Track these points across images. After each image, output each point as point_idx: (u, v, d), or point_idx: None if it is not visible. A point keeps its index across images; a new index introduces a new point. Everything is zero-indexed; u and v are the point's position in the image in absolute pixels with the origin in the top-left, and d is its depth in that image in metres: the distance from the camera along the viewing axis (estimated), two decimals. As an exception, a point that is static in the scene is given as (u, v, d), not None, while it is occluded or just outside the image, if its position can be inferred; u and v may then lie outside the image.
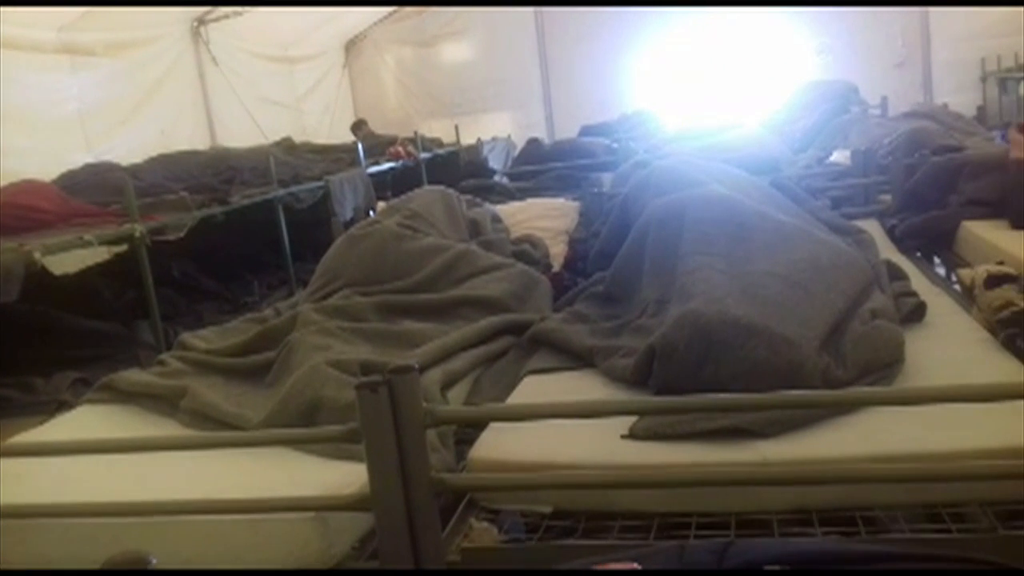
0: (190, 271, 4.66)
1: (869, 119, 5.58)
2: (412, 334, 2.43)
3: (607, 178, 4.71)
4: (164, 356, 2.47)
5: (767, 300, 1.92)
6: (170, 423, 2.09)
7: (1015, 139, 3.02)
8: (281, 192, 4.81)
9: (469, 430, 1.88)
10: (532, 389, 2.06)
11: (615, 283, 2.61)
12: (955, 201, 3.18)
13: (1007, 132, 3.22)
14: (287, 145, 6.63)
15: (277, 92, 8.68)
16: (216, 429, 2.00)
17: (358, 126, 8.09)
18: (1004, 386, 1.44)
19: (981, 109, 8.49)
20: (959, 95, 8.44)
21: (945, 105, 6.48)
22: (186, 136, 6.97)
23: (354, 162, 5.96)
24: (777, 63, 9.17)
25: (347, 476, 1.59)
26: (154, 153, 5.43)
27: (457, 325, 2.51)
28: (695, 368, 1.79)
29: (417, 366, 1.41)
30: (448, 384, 2.15)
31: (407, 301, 2.66)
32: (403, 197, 3.49)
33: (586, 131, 7.59)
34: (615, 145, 6.28)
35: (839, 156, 4.28)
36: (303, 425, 1.89)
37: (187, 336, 2.63)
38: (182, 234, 3.85)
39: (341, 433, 1.44)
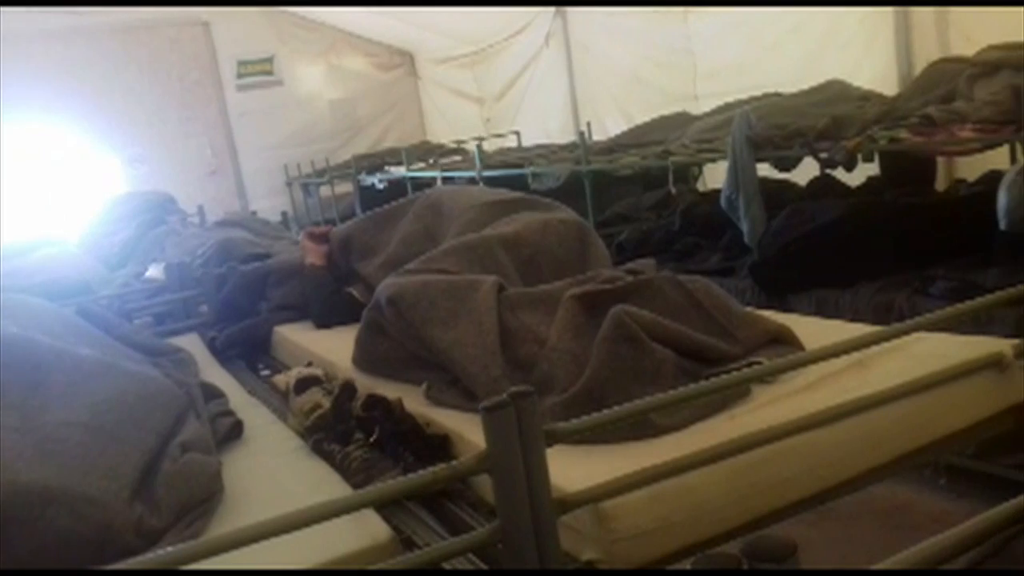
0: None
1: (186, 229, 5.59)
2: None
3: None
4: None
5: (65, 455, 1.70)
6: None
7: (305, 246, 3.29)
8: None
9: None
10: None
11: None
12: (265, 308, 3.34)
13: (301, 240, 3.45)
14: None
15: None
16: None
17: None
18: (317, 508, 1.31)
19: (285, 214, 9.34)
20: (271, 199, 9.24)
21: (254, 212, 6.93)
22: None
23: None
24: (88, 173, 8.77)
25: None
26: None
27: None
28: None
29: None
30: None
31: None
32: None
33: None
34: None
35: (154, 271, 4.18)
36: None
37: None
38: None
39: None
